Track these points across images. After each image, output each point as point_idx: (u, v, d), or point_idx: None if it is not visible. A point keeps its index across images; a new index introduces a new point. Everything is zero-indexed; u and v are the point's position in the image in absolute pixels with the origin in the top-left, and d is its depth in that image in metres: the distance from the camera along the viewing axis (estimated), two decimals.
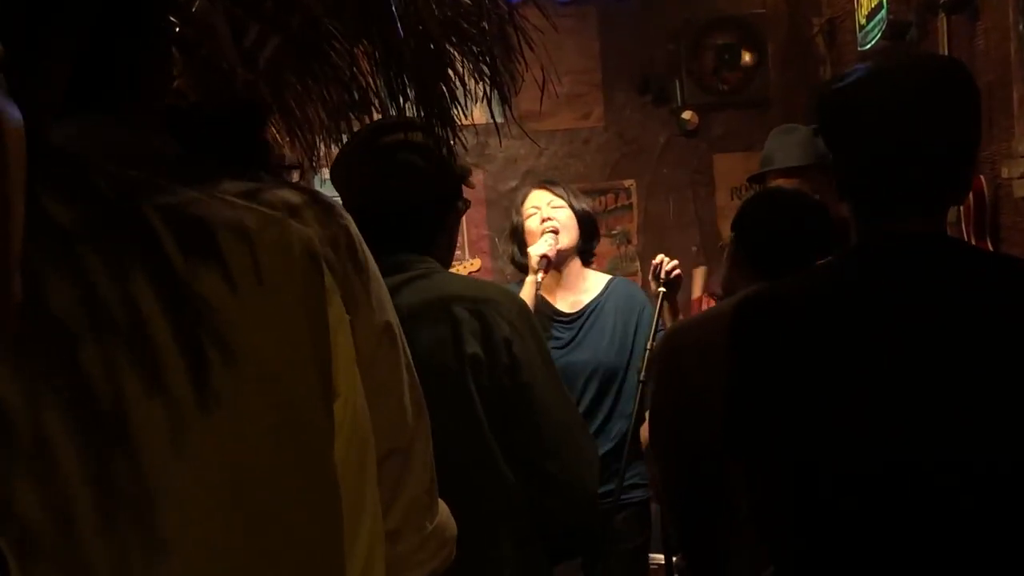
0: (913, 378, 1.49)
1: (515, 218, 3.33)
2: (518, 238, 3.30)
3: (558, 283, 3.29)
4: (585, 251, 3.30)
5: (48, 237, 0.66)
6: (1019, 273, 1.57)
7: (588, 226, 3.26)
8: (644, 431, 2.88)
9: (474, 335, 1.90)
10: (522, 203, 3.30)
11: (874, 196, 1.59)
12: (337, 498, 0.82)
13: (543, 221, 3.18)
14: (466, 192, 2.11)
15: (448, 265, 2.11)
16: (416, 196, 1.95)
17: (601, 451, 3.04)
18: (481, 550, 1.87)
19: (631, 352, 3.16)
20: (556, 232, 3.16)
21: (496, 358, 1.90)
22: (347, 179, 1.99)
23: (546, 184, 3.30)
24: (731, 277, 2.41)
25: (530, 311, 2.05)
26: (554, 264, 3.20)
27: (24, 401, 0.63)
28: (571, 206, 3.20)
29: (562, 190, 3.25)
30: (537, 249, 3.15)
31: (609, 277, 3.39)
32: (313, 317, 0.81)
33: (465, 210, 2.09)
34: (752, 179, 3.56)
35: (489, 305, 1.93)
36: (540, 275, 3.13)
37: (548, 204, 3.21)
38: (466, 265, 4.26)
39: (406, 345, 1.17)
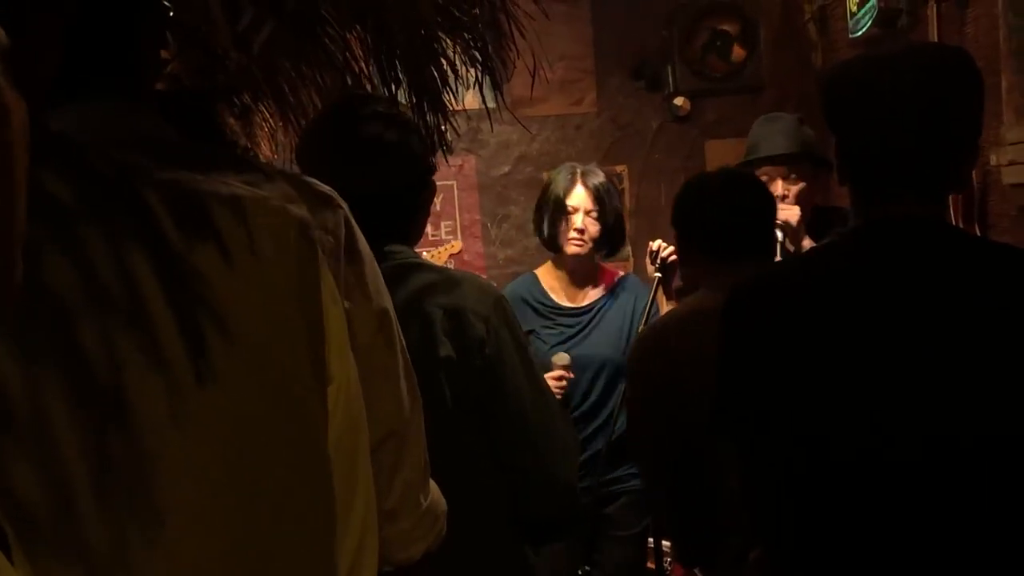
0: (906, 361, 1.51)
1: (553, 191, 3.29)
2: (551, 214, 3.28)
3: (569, 277, 3.33)
4: (610, 251, 3.36)
5: (47, 214, 0.67)
6: (1015, 260, 1.58)
7: (616, 237, 3.32)
8: None
9: (447, 336, 1.87)
10: (568, 189, 3.26)
11: (874, 180, 1.60)
12: (329, 481, 0.83)
13: (575, 230, 3.23)
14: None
15: (416, 244, 2.03)
16: (395, 179, 1.88)
17: (604, 442, 3.09)
18: (457, 544, 1.86)
19: None
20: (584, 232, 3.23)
21: (469, 360, 1.87)
22: (318, 161, 1.84)
23: (593, 187, 3.26)
24: (689, 272, 2.41)
25: (507, 305, 2.00)
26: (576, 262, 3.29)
27: (23, 380, 0.64)
28: (604, 222, 3.23)
29: (603, 196, 3.25)
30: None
31: (621, 274, 3.44)
32: (307, 300, 0.82)
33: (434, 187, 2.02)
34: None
35: (464, 303, 1.89)
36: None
37: (586, 213, 3.22)
38: (447, 248, 4.22)
39: (400, 330, 1.18)
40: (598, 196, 3.23)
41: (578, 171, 3.30)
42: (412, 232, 1.99)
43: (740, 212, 2.29)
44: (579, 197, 3.23)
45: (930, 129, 1.55)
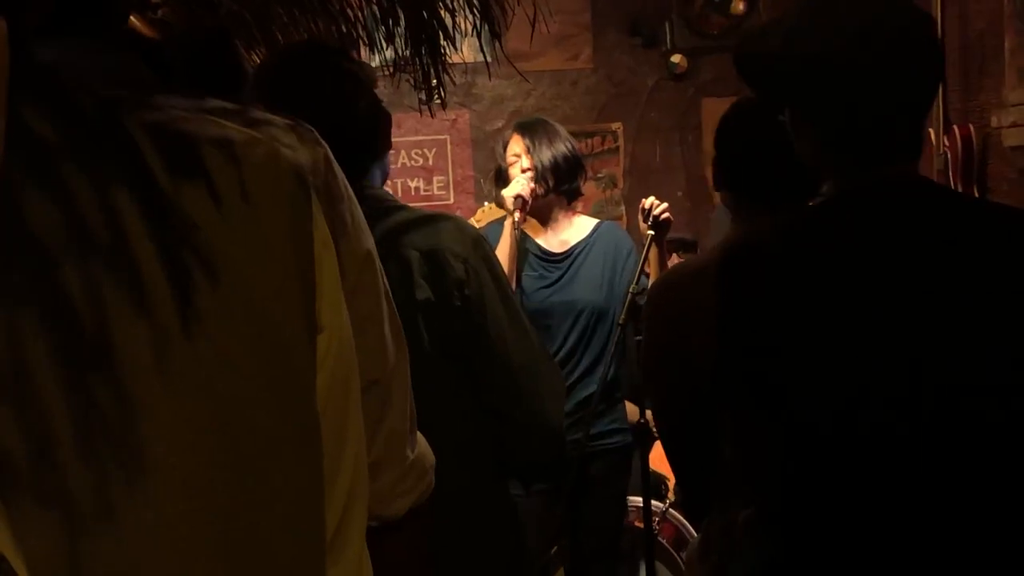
0: (898, 322, 1.49)
1: (500, 162, 3.30)
2: (502, 182, 3.27)
3: (545, 224, 3.27)
4: (569, 191, 3.25)
5: (28, 152, 0.64)
6: (1002, 218, 1.56)
7: (565, 170, 3.19)
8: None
9: (425, 278, 1.84)
10: (504, 148, 3.26)
11: (849, 144, 1.57)
12: (317, 430, 0.82)
13: (523, 171, 3.15)
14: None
15: (386, 177, 2.02)
16: (363, 109, 1.85)
17: (587, 393, 3.07)
18: (441, 490, 1.84)
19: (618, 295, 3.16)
20: (533, 171, 3.15)
21: (448, 302, 1.85)
22: (282, 98, 1.78)
23: (524, 131, 3.22)
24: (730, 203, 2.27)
25: (486, 244, 1.96)
26: (536, 207, 3.17)
27: (1, 326, 0.62)
28: (542, 157, 3.15)
29: (540, 136, 3.18)
30: (511, 190, 3.12)
31: (597, 221, 3.37)
32: (299, 245, 0.79)
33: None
34: None
35: (441, 244, 1.85)
36: (517, 215, 3.11)
37: (527, 152, 3.17)
38: (485, 211, 4.16)
39: (384, 274, 1.14)
40: (530, 136, 3.19)
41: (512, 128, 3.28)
42: (378, 164, 1.94)
43: (762, 153, 2.06)
44: (516, 144, 3.20)
45: (869, 88, 1.52)
